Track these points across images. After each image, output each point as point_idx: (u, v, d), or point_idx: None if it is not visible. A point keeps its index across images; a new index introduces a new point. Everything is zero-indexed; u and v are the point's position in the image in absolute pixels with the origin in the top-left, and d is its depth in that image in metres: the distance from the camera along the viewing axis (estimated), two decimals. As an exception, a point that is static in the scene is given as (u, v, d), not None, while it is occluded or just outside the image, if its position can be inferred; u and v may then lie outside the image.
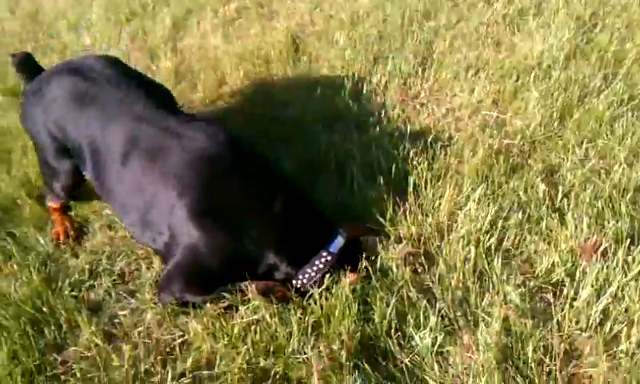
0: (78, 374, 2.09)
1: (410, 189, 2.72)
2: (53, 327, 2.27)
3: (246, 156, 2.51)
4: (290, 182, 2.52)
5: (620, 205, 2.54)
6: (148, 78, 3.12)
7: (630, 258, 2.29)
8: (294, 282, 2.31)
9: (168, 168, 2.39)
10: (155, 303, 2.35)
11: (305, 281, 2.30)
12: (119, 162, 2.48)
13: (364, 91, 3.66)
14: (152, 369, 2.10)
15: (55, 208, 2.86)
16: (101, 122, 2.57)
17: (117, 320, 2.33)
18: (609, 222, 2.48)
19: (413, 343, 2.10)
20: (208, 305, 2.27)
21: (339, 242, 2.36)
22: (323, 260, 2.31)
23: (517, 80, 3.54)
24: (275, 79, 3.95)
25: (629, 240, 2.36)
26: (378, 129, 3.25)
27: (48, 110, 2.69)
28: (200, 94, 3.88)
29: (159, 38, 4.72)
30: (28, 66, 3.02)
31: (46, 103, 2.71)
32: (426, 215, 2.60)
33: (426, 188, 2.72)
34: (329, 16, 4.55)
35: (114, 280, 2.51)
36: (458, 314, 2.18)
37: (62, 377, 2.10)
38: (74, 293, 2.44)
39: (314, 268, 2.30)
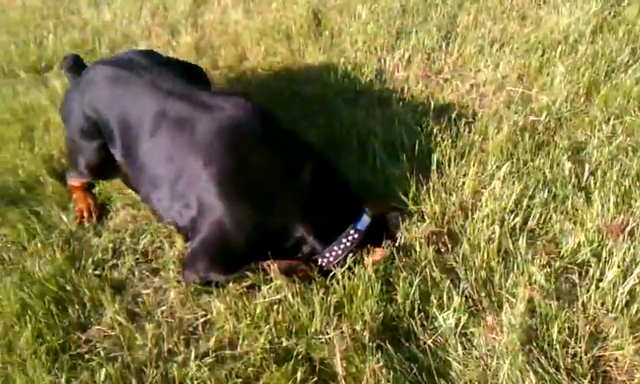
0: (102, 353, 2.09)
1: (434, 166, 2.69)
2: (77, 306, 2.28)
3: (274, 128, 2.50)
4: (318, 154, 2.49)
5: (648, 183, 2.50)
6: (183, 61, 3.19)
7: (658, 239, 2.26)
8: (319, 260, 2.30)
9: (195, 137, 2.38)
10: (179, 282, 2.35)
11: (331, 259, 2.28)
12: (149, 134, 2.50)
13: (386, 66, 3.62)
14: (175, 348, 2.10)
15: (76, 186, 2.87)
16: (131, 100, 2.61)
17: (140, 299, 2.33)
18: (636, 201, 2.44)
19: (436, 324, 2.09)
20: (231, 284, 2.27)
21: (365, 220, 2.34)
22: (350, 238, 2.29)
23: (542, 55, 3.49)
24: (296, 54, 3.91)
25: (657, 220, 2.32)
26: (400, 105, 3.22)
27: (85, 92, 2.77)
28: (221, 70, 3.86)
29: (180, 14, 4.71)
30: (77, 66, 3.15)
31: (84, 86, 2.80)
32: (450, 194, 2.57)
33: (449, 166, 2.69)
34: (350, -11, 4.48)
35: (137, 259, 2.50)
36: (482, 294, 2.16)
37: (86, 355, 2.10)
38: (97, 271, 2.44)
39: (341, 246, 2.28)
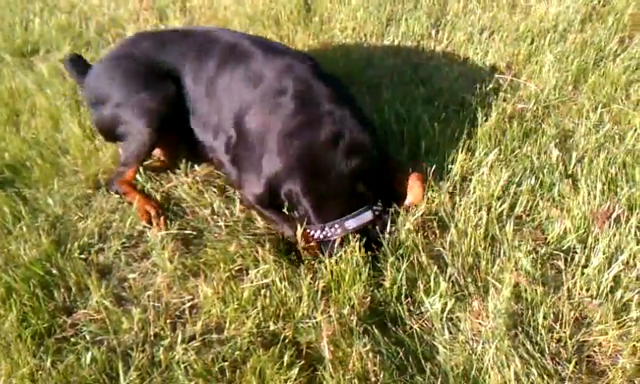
0: (88, 337, 2.09)
1: (422, 152, 2.69)
2: (62, 290, 2.27)
3: (321, 88, 2.51)
4: (364, 133, 2.44)
5: (634, 171, 2.52)
6: None
7: (642, 226, 2.27)
8: (309, 230, 2.34)
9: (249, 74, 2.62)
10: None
11: (315, 236, 2.33)
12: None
13: (376, 53, 3.61)
14: (161, 332, 2.09)
15: (125, 182, 2.71)
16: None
17: (126, 283, 2.32)
18: (622, 189, 2.46)
19: (423, 309, 2.10)
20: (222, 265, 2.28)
21: (363, 217, 2.31)
22: (337, 230, 2.29)
23: (531, 43, 3.50)
24: (286, 40, 3.89)
25: (642, 207, 2.34)
26: (390, 92, 3.21)
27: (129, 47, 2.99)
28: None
29: (168, -2, 4.68)
30: (78, 66, 3.07)
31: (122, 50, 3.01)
32: (438, 180, 2.57)
33: (437, 152, 2.69)
34: (341, -25, 4.47)
35: (124, 243, 2.49)
36: (469, 280, 2.17)
37: (72, 339, 2.09)
38: (83, 255, 2.42)
39: (328, 233, 2.30)
